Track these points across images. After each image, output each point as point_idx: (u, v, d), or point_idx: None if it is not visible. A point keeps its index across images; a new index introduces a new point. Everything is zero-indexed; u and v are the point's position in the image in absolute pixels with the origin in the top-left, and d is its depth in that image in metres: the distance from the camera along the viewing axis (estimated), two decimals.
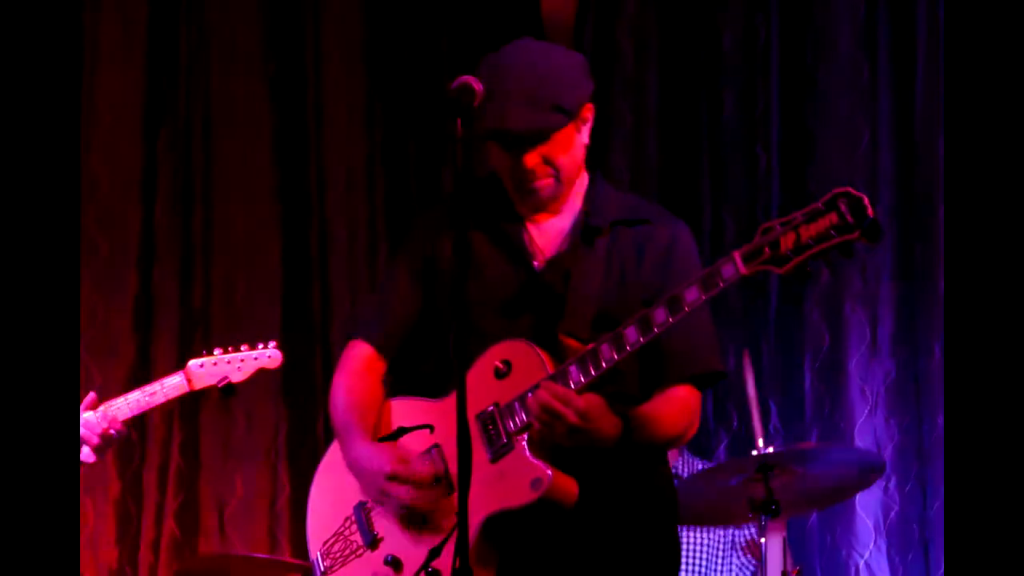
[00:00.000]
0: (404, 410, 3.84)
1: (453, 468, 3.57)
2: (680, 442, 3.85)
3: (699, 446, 6.30)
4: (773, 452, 5.13)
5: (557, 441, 3.51)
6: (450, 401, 3.47)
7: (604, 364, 3.51)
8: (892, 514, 6.19)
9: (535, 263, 3.76)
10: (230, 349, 4.81)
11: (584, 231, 3.75)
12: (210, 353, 4.77)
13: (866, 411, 6.31)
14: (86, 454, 4.49)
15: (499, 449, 3.60)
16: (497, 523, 3.56)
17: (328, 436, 6.44)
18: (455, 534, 3.40)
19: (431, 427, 3.73)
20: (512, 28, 6.81)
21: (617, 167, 6.71)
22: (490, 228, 3.80)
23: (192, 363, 4.73)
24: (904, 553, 6.20)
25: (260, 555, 6.19)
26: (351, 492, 3.81)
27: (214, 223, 6.57)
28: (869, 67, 6.54)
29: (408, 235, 4.04)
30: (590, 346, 3.54)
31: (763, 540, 5.17)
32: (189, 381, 4.71)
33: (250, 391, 6.29)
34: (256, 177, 6.65)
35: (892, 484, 6.15)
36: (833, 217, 3.23)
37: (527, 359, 3.57)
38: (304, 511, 6.45)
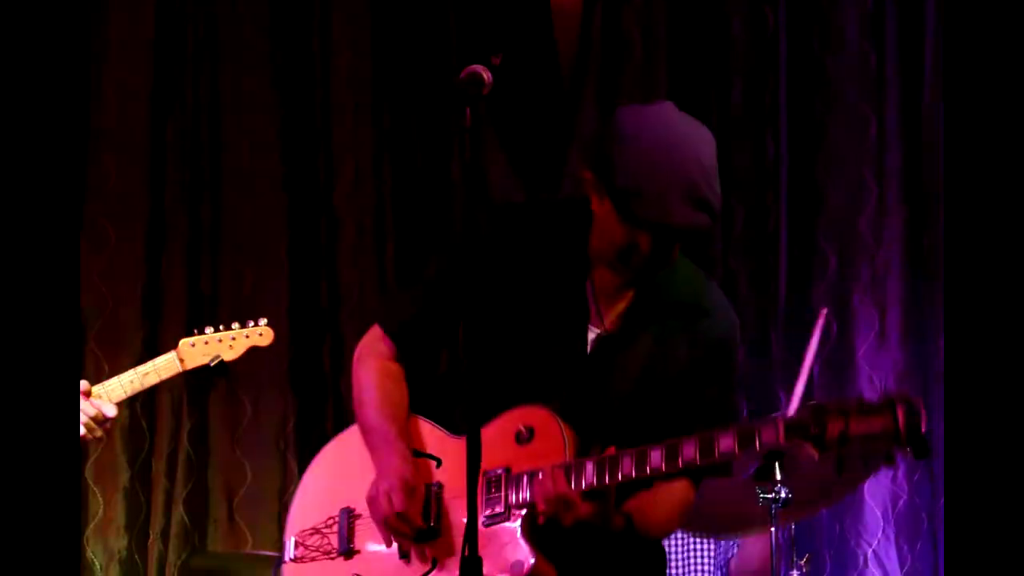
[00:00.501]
0: (420, 432, 3.80)
1: (449, 515, 3.63)
2: (672, 530, 3.94)
3: None
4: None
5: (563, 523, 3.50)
6: (463, 444, 3.45)
7: (620, 477, 3.46)
8: (900, 503, 6.22)
9: (590, 333, 3.68)
10: (221, 328, 4.83)
11: (640, 311, 3.67)
12: (201, 332, 4.78)
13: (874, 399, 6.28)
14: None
15: (495, 516, 3.57)
16: None
17: (337, 426, 6.46)
18: None
19: (439, 461, 3.72)
20: (520, 17, 6.84)
21: None
22: (553, 268, 3.71)
23: (183, 342, 4.75)
24: (912, 542, 6.23)
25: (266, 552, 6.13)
26: (344, 492, 3.78)
27: (222, 213, 6.56)
28: (876, 56, 6.55)
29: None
30: (612, 450, 3.49)
31: (772, 529, 5.09)
32: (181, 360, 4.73)
33: (258, 379, 6.49)
34: (264, 167, 6.63)
35: (900, 474, 6.18)
36: (888, 422, 3.20)
37: (551, 437, 3.53)
38: None
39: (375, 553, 3.68)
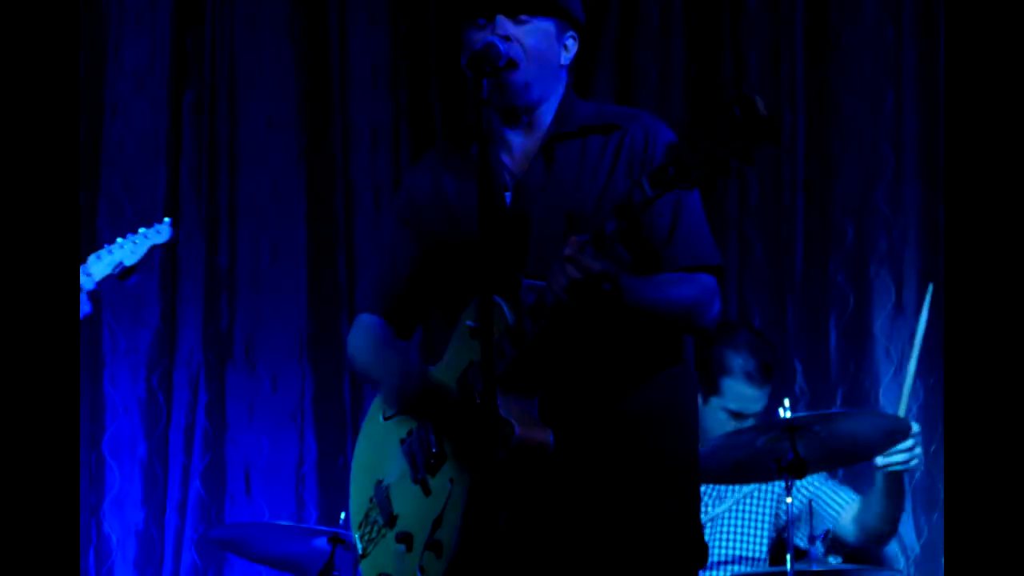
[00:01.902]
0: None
1: (444, 442, 3.63)
2: (697, 313, 3.65)
3: None
4: (800, 415, 5.18)
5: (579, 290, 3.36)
6: (441, 364, 3.63)
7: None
8: (917, 475, 6.16)
9: (507, 194, 3.68)
10: (127, 236, 4.81)
11: (547, 144, 3.67)
12: (106, 246, 4.79)
13: (891, 371, 6.32)
14: None
15: (475, 411, 3.54)
16: (486, 484, 3.46)
17: (354, 399, 6.50)
18: (448, 503, 3.54)
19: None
20: None
21: None
22: (461, 159, 3.75)
23: (90, 257, 4.73)
24: (929, 513, 6.20)
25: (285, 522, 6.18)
26: (374, 469, 3.81)
27: (239, 185, 6.57)
28: (894, 28, 6.53)
29: (398, 189, 4.02)
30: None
31: (788, 500, 5.20)
32: (89, 276, 4.69)
33: (275, 353, 6.55)
34: (281, 139, 6.65)
35: (918, 443, 5.97)
36: (726, 122, 3.10)
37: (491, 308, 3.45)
38: (329, 472, 6.53)
39: (408, 506, 3.69)
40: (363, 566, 3.82)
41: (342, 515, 5.58)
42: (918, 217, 6.37)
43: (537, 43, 3.63)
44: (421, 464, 3.66)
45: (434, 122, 6.77)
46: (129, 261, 4.81)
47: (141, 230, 4.82)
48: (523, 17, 3.63)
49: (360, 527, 3.84)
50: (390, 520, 3.74)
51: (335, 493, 6.33)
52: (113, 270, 4.75)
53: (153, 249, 4.88)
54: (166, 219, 4.93)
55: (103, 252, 4.80)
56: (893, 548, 6.17)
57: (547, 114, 3.71)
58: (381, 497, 3.78)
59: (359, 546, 3.85)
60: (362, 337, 3.87)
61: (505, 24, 3.60)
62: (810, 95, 6.59)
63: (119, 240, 4.81)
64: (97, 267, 4.75)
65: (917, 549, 6.20)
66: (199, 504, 6.35)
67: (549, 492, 3.57)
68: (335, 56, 6.69)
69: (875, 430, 5.46)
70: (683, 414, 3.74)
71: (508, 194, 3.67)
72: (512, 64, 3.59)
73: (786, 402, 5.24)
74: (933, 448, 6.20)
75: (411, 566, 3.64)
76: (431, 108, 6.77)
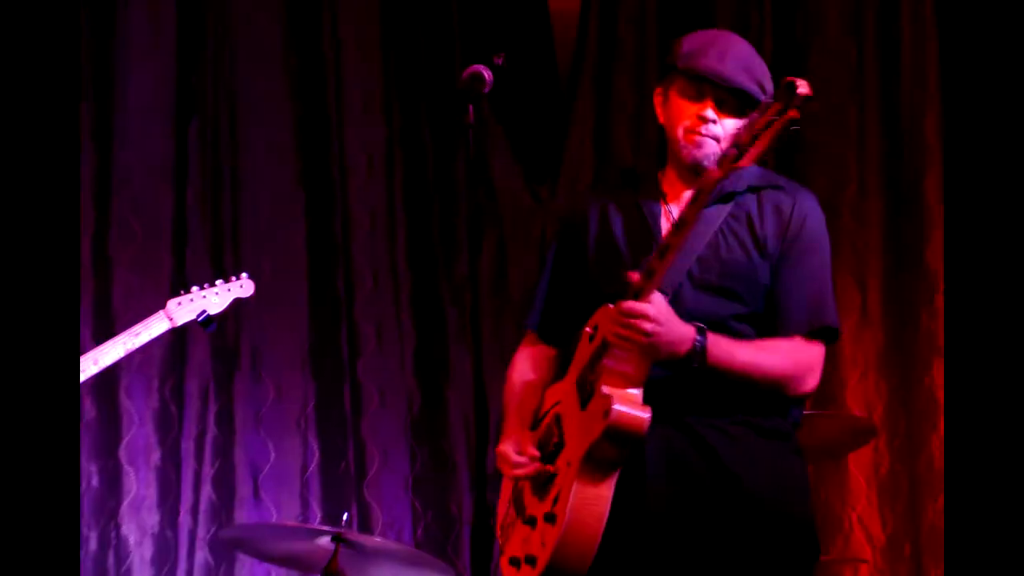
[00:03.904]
0: (555, 391, 3.89)
1: (564, 433, 3.71)
2: (790, 386, 3.67)
3: None
4: None
5: (638, 351, 3.49)
6: (567, 378, 3.74)
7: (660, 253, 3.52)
8: (882, 469, 6.25)
9: (661, 234, 3.72)
10: (206, 286, 4.80)
11: (703, 201, 3.58)
12: (187, 292, 4.79)
13: (857, 375, 6.35)
14: None
15: (586, 398, 3.63)
16: (595, 458, 3.56)
17: (354, 406, 6.54)
18: (564, 482, 3.60)
19: (561, 400, 3.81)
20: (520, 19, 6.88)
21: (619, 145, 6.76)
22: (630, 207, 3.84)
23: (171, 302, 4.70)
24: (894, 504, 6.25)
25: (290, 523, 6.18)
26: (510, 481, 3.91)
27: (241, 208, 6.55)
28: (857, 51, 6.59)
29: (562, 218, 4.10)
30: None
31: None
32: (170, 319, 4.69)
33: (280, 364, 6.52)
34: (281, 164, 6.63)
35: (882, 441, 6.21)
36: (776, 107, 3.32)
37: (605, 317, 3.58)
38: (331, 475, 6.48)
39: (534, 497, 3.75)
40: (503, 562, 3.87)
41: (344, 515, 5.56)
42: (881, 231, 6.43)
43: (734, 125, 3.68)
44: (546, 454, 3.73)
45: (425, 146, 6.80)
46: (214, 311, 4.76)
47: (219, 282, 4.81)
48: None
49: (501, 528, 3.93)
50: (522, 512, 3.81)
51: (337, 495, 6.37)
52: (197, 317, 4.70)
53: (236, 301, 4.87)
54: (244, 273, 4.91)
55: (184, 299, 4.73)
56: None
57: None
58: (517, 495, 3.86)
59: (500, 545, 3.92)
60: (513, 373, 4.02)
61: (713, 110, 3.71)
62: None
63: (195, 288, 4.79)
64: (179, 313, 4.69)
65: (882, 540, 6.23)
66: (210, 507, 6.32)
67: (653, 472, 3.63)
68: (330, 85, 6.73)
69: (842, 431, 5.59)
70: (796, 450, 3.78)
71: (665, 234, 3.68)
72: (712, 145, 3.69)
73: None
74: (897, 443, 6.26)
75: (535, 540, 3.71)
76: (421, 133, 6.80)
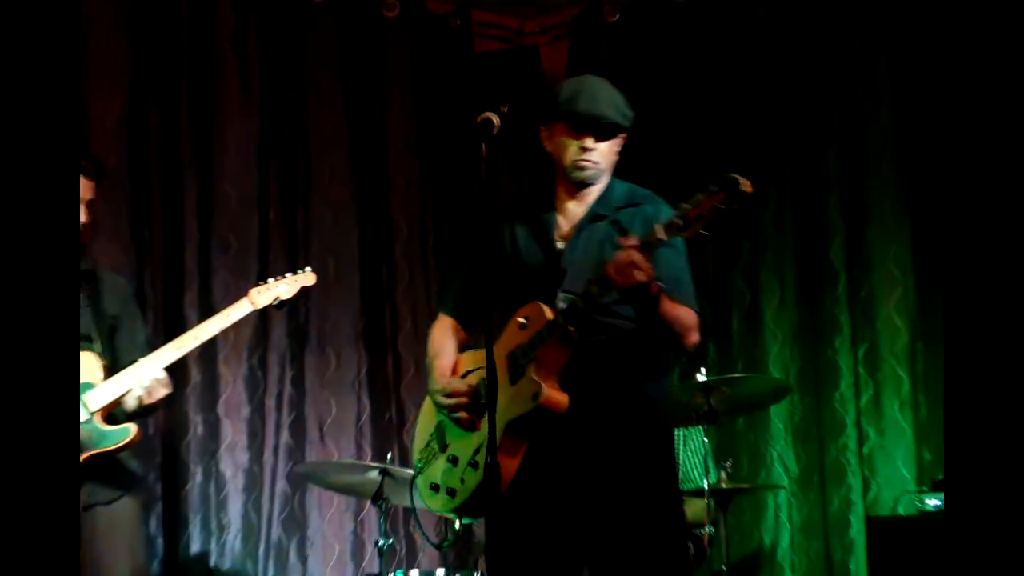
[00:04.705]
0: (469, 359, 3.85)
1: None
2: (687, 337, 3.62)
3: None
4: (712, 379, 5.17)
5: (624, 286, 3.37)
6: (498, 346, 3.60)
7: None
8: (796, 417, 6.23)
9: (557, 245, 3.72)
10: (279, 277, 4.77)
11: (591, 217, 3.71)
12: (264, 282, 4.75)
13: (778, 346, 6.32)
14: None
15: (516, 375, 3.58)
16: (516, 425, 3.54)
17: (396, 372, 6.47)
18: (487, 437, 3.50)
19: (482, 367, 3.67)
20: (521, 77, 6.85)
21: None
22: (529, 219, 3.78)
23: (252, 290, 4.62)
24: (805, 444, 6.22)
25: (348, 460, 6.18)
26: (433, 415, 3.85)
27: (310, 223, 6.50)
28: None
29: (474, 234, 4.02)
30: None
31: (705, 440, 5.22)
32: (252, 304, 4.66)
33: (340, 339, 6.46)
34: (340, 186, 6.59)
35: (796, 396, 6.19)
36: (720, 196, 3.17)
37: (537, 314, 3.55)
38: (379, 424, 6.49)
39: (457, 439, 3.72)
40: (419, 480, 3.85)
41: (388, 454, 5.65)
42: (795, 240, 6.35)
43: (608, 156, 3.70)
44: (473, 406, 3.69)
45: (448, 172, 6.79)
46: (285, 296, 4.71)
47: (292, 274, 4.77)
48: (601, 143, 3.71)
49: (420, 452, 3.87)
50: (443, 447, 3.77)
51: (383, 439, 6.33)
52: (272, 301, 4.67)
53: (303, 289, 4.82)
54: (308, 267, 4.87)
55: (263, 287, 4.69)
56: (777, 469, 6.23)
57: (596, 191, 3.75)
58: (439, 432, 3.81)
59: (417, 466, 3.87)
60: (434, 333, 3.95)
61: (594, 143, 3.66)
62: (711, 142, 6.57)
63: (275, 280, 4.74)
64: (259, 298, 4.64)
65: (796, 471, 6.20)
66: (287, 448, 6.29)
67: (565, 440, 3.57)
68: (377, 128, 6.71)
69: (764, 388, 5.57)
70: (667, 412, 3.77)
71: (560, 242, 3.71)
72: (592, 170, 3.68)
73: (702, 370, 5.26)
74: (807, 398, 6.19)
75: (455, 477, 3.68)
76: (446, 163, 6.80)
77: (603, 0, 6.81)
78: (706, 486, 5.12)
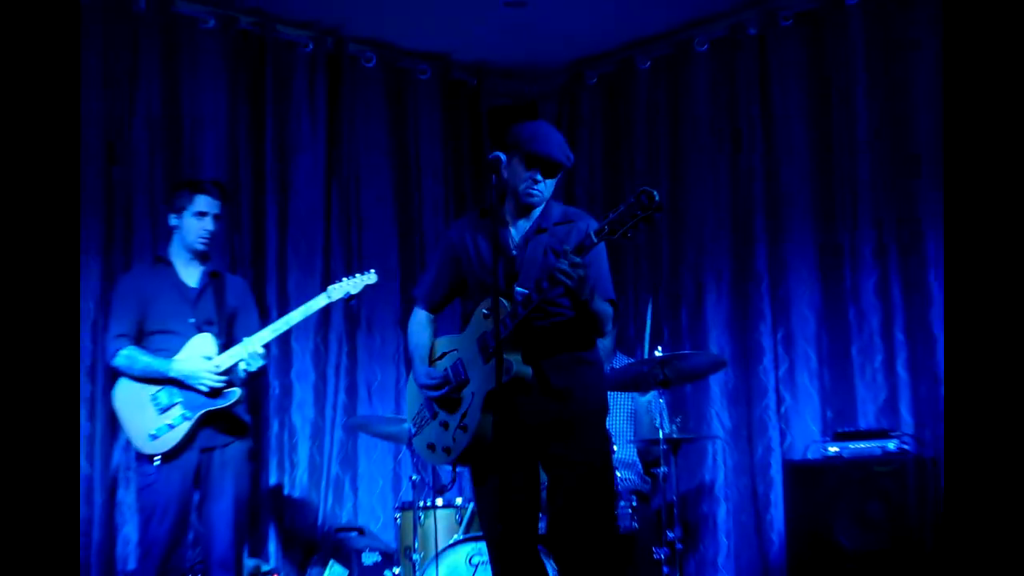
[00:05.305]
0: (443, 343, 3.80)
1: (468, 373, 3.62)
2: (605, 325, 3.60)
3: (630, 351, 6.37)
4: (666, 355, 5.14)
5: (573, 287, 3.35)
6: (466, 333, 3.62)
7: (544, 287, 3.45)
8: (730, 385, 6.23)
9: (513, 251, 3.66)
10: (349, 277, 4.72)
11: (536, 230, 3.67)
12: (339, 280, 4.70)
13: (716, 330, 6.32)
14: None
15: (488, 355, 3.55)
16: (494, 396, 3.50)
17: None
18: (471, 404, 3.54)
19: (457, 349, 3.72)
20: (524, 122, 6.93)
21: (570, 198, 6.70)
22: (487, 232, 3.66)
23: (330, 287, 4.65)
24: (738, 406, 6.21)
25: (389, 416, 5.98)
26: (418, 393, 3.81)
27: (362, 235, 6.50)
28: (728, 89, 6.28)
29: (444, 236, 3.95)
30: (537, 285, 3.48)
31: (661, 400, 5.20)
32: (329, 297, 4.65)
33: (383, 323, 6.49)
34: (383, 208, 6.62)
35: (729, 369, 6.17)
36: (637, 208, 3.21)
37: (499, 306, 3.43)
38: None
39: (444, 408, 3.68)
40: (416, 441, 3.79)
41: None
42: (730, 258, 6.31)
43: (549, 185, 3.66)
44: (455, 383, 3.65)
45: (468, 199, 6.90)
46: (353, 292, 4.68)
47: (356, 274, 4.73)
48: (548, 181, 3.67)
49: (413, 418, 3.82)
50: (434, 414, 3.72)
51: None
52: (343, 296, 4.65)
53: (367, 287, 4.79)
54: (372, 269, 4.83)
55: (337, 285, 4.67)
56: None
57: (537, 212, 3.71)
58: (428, 403, 3.75)
59: (412, 429, 3.82)
60: (415, 327, 3.88)
61: (546, 177, 3.63)
62: (674, 165, 6.51)
63: (343, 279, 4.71)
64: (334, 293, 4.64)
65: (729, 426, 6.19)
66: (343, 406, 6.28)
67: (530, 402, 3.56)
68: (412, 161, 6.73)
69: (704, 362, 5.48)
70: (600, 369, 3.74)
71: (515, 251, 3.66)
72: (539, 197, 3.64)
73: (659, 348, 5.32)
74: (740, 371, 6.12)
75: (447, 437, 3.64)
76: (467, 190, 6.90)
77: (584, 68, 6.89)
78: (661, 436, 5.05)
